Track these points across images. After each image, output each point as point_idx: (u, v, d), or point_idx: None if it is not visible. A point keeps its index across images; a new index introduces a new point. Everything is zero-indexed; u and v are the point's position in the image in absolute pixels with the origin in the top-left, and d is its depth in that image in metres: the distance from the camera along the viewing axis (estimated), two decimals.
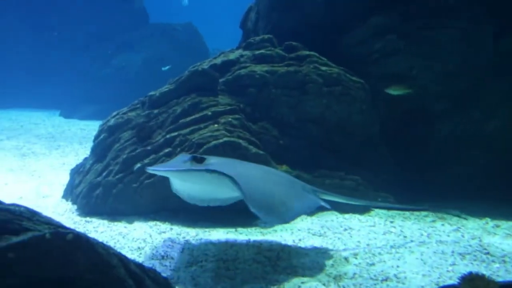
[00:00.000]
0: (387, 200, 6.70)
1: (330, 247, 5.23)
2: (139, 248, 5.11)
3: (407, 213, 6.52)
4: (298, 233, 5.71)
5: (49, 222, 2.65)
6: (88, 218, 6.16)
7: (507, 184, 6.56)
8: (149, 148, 6.41)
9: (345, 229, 5.86)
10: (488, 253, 5.04)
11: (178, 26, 22.00)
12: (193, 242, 5.32)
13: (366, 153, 7.01)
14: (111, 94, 17.87)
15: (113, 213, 6.22)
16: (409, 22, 6.96)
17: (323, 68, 6.97)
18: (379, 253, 5.02)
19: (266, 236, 5.60)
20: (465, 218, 6.12)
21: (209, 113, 6.54)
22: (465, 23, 6.76)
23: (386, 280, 4.32)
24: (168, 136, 6.44)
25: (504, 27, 6.72)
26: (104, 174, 6.49)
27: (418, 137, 7.13)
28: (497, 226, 6.03)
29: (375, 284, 4.23)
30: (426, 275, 4.43)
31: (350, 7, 7.34)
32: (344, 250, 5.13)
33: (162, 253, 4.91)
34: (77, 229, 2.77)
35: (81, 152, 10.56)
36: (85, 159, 7.54)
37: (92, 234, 5.43)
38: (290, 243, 5.34)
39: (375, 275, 4.42)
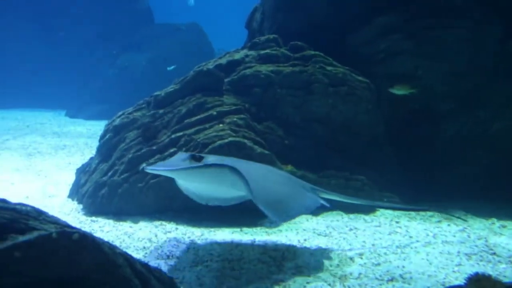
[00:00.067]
0: (392, 200, 6.68)
1: (336, 247, 5.22)
2: (144, 247, 5.12)
3: (413, 214, 6.50)
4: (304, 233, 5.71)
5: (55, 222, 2.66)
6: (93, 218, 6.18)
7: None
8: (154, 148, 6.42)
9: (351, 229, 5.84)
10: (494, 253, 5.01)
11: (183, 26, 22.03)
12: (198, 242, 5.33)
13: (371, 153, 6.99)
14: (116, 94, 17.94)
15: (119, 213, 6.24)
16: (415, 22, 6.94)
17: (329, 68, 6.96)
18: (385, 253, 5.01)
19: (271, 236, 5.60)
20: (464, 220, 6.07)
21: (214, 113, 6.54)
22: (472, 23, 6.74)
23: (391, 280, 4.31)
24: (173, 136, 6.45)
25: (511, 27, 6.69)
26: (109, 173, 6.51)
27: (423, 137, 7.10)
28: (504, 226, 6.01)
29: (380, 284, 4.22)
30: (432, 275, 4.41)
31: (356, 7, 7.34)
32: (350, 250, 5.12)
33: (167, 253, 4.92)
34: (83, 229, 2.77)
35: (87, 151, 10.59)
36: (91, 158, 7.56)
37: (97, 234, 5.45)
38: (295, 243, 5.34)
39: (380, 275, 4.40)
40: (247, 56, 7.34)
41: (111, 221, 6.05)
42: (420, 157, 7.05)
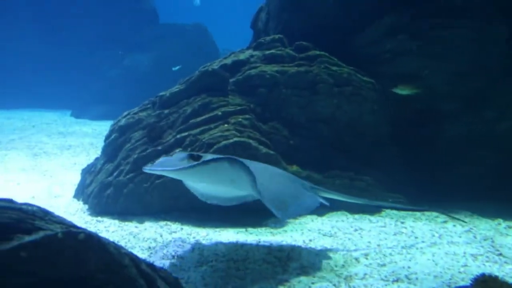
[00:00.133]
0: (399, 201, 6.66)
1: (341, 247, 5.22)
2: (149, 247, 5.13)
3: (418, 214, 6.49)
4: (309, 233, 5.70)
5: (61, 222, 2.67)
6: (99, 218, 6.20)
7: None
8: (159, 148, 6.43)
9: (356, 230, 5.83)
10: (500, 254, 4.99)
11: (188, 26, 22.06)
12: (204, 242, 5.33)
13: (376, 154, 6.98)
14: (122, 94, 17.98)
15: (124, 213, 6.25)
16: (421, 22, 6.91)
17: (334, 68, 6.95)
18: (390, 254, 4.99)
19: (276, 236, 5.60)
20: (464, 221, 6.04)
21: (219, 113, 6.55)
22: (478, 23, 6.70)
23: (397, 281, 4.30)
24: (178, 136, 6.45)
25: None
26: (115, 174, 6.52)
27: (428, 137, 7.08)
28: (510, 227, 5.98)
29: (386, 285, 4.21)
30: (437, 276, 4.40)
31: (361, 7, 7.31)
32: (355, 250, 5.12)
33: (173, 253, 4.93)
34: (88, 229, 2.78)
35: (92, 152, 10.63)
36: (96, 159, 7.58)
37: (103, 234, 5.46)
38: (300, 243, 5.33)
39: (386, 276, 4.40)
40: (252, 56, 7.34)
41: (116, 221, 6.07)
42: (426, 157, 7.03)
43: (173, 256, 4.84)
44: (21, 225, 2.41)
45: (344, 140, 6.87)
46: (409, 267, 4.60)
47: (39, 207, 2.66)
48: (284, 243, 5.32)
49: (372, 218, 6.37)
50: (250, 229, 5.82)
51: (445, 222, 6.20)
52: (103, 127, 14.39)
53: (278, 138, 6.68)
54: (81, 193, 7.09)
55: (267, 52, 7.28)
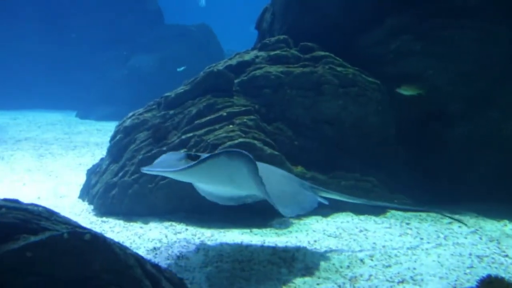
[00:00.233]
0: (404, 202, 6.64)
1: (346, 248, 5.21)
2: (154, 248, 5.14)
3: (424, 215, 6.47)
4: (313, 234, 5.70)
5: (67, 222, 2.68)
6: (104, 218, 6.21)
7: None
8: (164, 149, 6.43)
9: (361, 231, 5.82)
10: (507, 255, 4.97)
11: (192, 27, 22.08)
12: (208, 242, 5.33)
13: (382, 155, 6.96)
14: (127, 95, 17.99)
15: (129, 214, 6.26)
16: (425, 22, 6.92)
17: (339, 68, 6.94)
18: (395, 255, 4.98)
19: (281, 237, 5.59)
20: (464, 223, 6.00)
21: (224, 114, 6.55)
22: (482, 23, 6.69)
23: (402, 282, 4.29)
24: (183, 137, 6.46)
25: None
26: (120, 174, 6.53)
27: (434, 138, 7.05)
28: None
29: (391, 286, 4.20)
30: (443, 277, 4.38)
31: (366, 8, 7.30)
32: (360, 251, 5.10)
33: (178, 254, 4.93)
34: (93, 229, 2.79)
35: (97, 152, 10.65)
36: (101, 159, 7.60)
37: (108, 234, 5.46)
38: (305, 244, 5.33)
39: (391, 277, 4.38)
40: (257, 57, 7.34)
41: (121, 222, 6.08)
42: (431, 158, 7.01)
43: (178, 257, 4.85)
44: (27, 225, 2.42)
45: (349, 141, 6.86)
46: (414, 268, 4.59)
47: (44, 208, 2.67)
48: (289, 244, 5.32)
49: (377, 219, 6.35)
50: (255, 230, 5.81)
51: (450, 223, 6.18)
52: (108, 127, 14.42)
53: (282, 138, 6.67)
54: (86, 193, 7.10)
55: (272, 52, 7.28)
